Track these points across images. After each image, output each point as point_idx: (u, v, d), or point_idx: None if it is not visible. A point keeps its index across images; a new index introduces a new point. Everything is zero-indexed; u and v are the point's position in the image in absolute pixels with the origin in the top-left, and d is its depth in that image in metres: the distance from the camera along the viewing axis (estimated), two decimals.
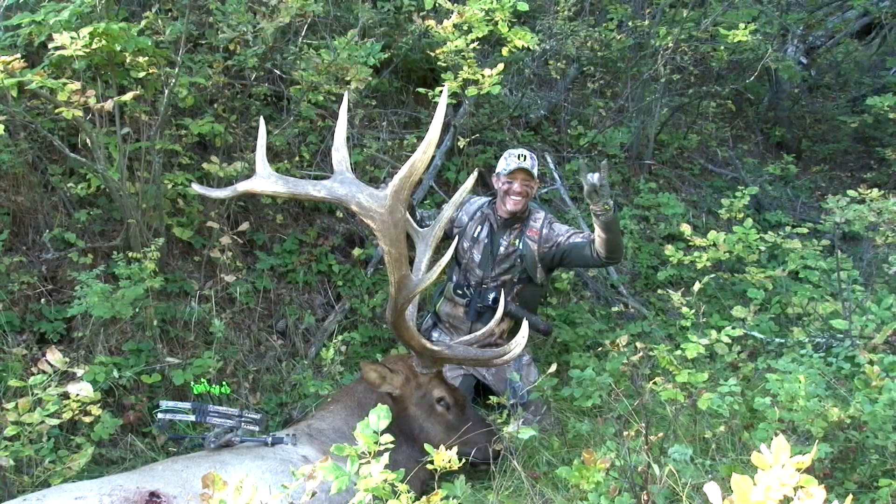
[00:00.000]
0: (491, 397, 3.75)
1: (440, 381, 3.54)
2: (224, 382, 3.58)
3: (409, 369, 3.48)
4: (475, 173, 3.59)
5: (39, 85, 3.30)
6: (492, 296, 4.14)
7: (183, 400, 3.54)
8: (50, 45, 3.47)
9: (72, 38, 3.41)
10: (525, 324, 3.59)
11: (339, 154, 3.08)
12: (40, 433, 2.83)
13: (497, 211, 4.23)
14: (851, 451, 2.96)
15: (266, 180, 3.01)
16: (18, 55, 3.27)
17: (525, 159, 4.09)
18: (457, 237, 4.24)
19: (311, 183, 3.02)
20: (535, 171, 4.13)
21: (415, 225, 3.61)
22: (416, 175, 2.92)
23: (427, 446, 2.23)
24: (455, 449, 2.19)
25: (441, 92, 3.08)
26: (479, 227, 4.27)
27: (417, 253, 3.42)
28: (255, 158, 3.08)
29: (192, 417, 2.94)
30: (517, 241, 4.18)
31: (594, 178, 3.65)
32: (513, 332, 4.12)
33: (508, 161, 4.13)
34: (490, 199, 4.35)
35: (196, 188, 3.19)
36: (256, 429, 2.96)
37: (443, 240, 3.72)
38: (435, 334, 4.39)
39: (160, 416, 2.96)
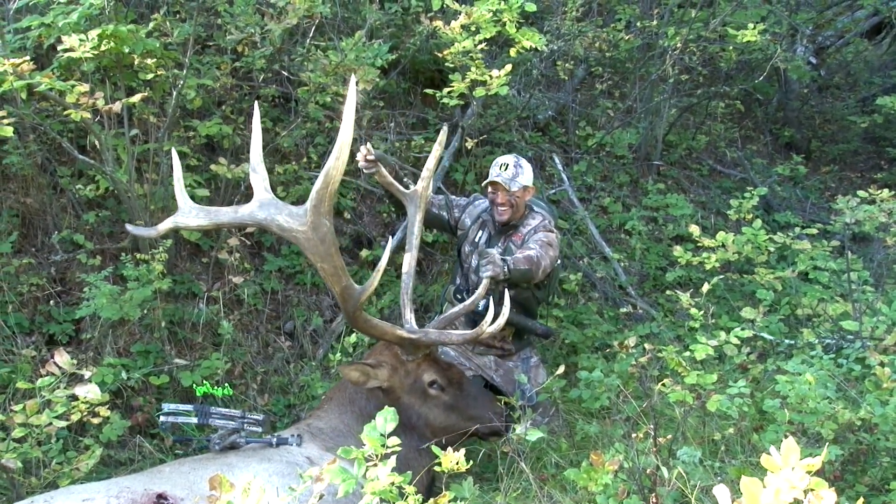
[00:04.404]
0: (499, 398, 3.74)
1: (430, 363, 3.37)
2: (226, 384, 3.58)
3: (394, 357, 3.33)
4: (444, 130, 3.48)
5: (48, 87, 3.32)
6: (483, 303, 3.82)
7: (191, 402, 3.55)
8: (59, 48, 3.49)
9: (80, 40, 3.43)
10: (507, 300, 3.44)
11: (258, 175, 2.94)
12: (48, 435, 2.85)
13: (494, 218, 4.16)
14: (862, 453, 2.94)
15: (187, 215, 2.92)
16: (28, 57, 3.29)
17: (506, 168, 3.90)
18: (458, 230, 4.21)
19: (231, 210, 2.93)
20: (517, 183, 3.90)
21: (400, 188, 3.53)
22: (333, 185, 2.72)
23: (434, 448, 2.19)
24: (462, 451, 2.16)
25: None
26: (480, 232, 4.20)
27: (409, 215, 3.43)
28: (175, 192, 2.96)
29: (195, 420, 2.93)
30: (505, 247, 4.12)
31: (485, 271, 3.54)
32: (513, 337, 4.14)
33: (491, 171, 3.97)
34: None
35: (129, 228, 3.13)
36: (260, 430, 2.95)
37: (449, 241, 3.68)
38: None
39: (162, 418, 2.96)
